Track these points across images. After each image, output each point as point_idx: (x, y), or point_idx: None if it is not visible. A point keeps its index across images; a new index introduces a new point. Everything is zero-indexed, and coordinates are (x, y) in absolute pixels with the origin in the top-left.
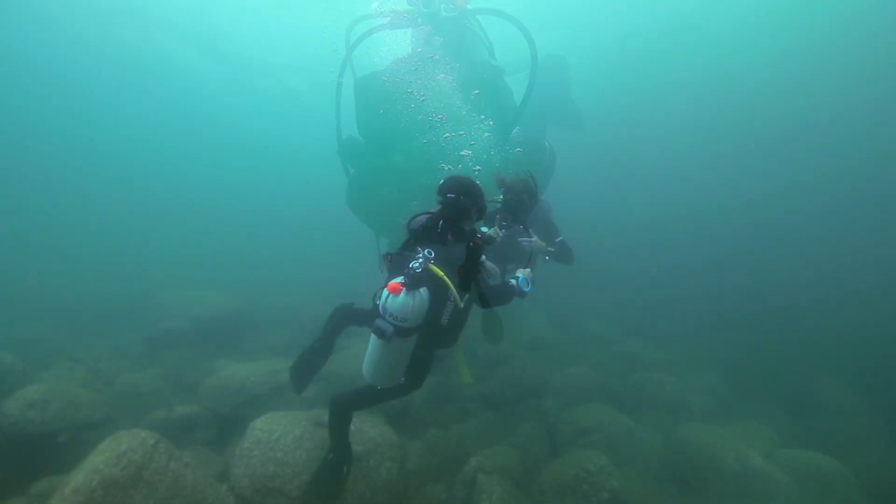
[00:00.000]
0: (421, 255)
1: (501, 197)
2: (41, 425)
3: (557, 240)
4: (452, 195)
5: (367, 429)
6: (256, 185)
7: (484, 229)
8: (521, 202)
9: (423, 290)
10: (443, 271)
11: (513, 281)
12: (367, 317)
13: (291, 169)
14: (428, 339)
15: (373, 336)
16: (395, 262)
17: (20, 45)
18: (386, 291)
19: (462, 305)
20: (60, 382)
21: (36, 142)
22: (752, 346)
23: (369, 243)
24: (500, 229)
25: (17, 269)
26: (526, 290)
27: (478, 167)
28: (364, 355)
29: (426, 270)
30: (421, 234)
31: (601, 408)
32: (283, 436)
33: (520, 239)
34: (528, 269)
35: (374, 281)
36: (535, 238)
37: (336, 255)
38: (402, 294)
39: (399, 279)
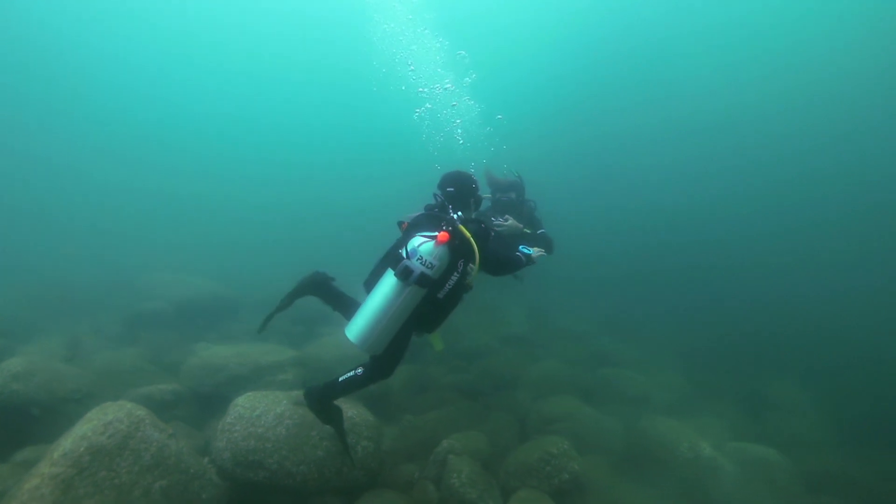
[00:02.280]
0: (455, 215)
1: (490, 195)
2: (25, 396)
3: (539, 232)
4: (451, 189)
5: (345, 409)
6: (242, 171)
7: None
8: (510, 200)
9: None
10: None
11: (518, 254)
12: (337, 299)
13: (277, 157)
14: (418, 314)
15: (383, 285)
16: (422, 220)
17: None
18: (418, 239)
19: (472, 278)
20: (42, 357)
21: (27, 124)
22: (716, 347)
23: (356, 233)
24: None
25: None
26: (529, 252)
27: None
28: (346, 342)
29: (459, 229)
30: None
31: (569, 399)
32: (264, 413)
33: (495, 220)
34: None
35: (357, 269)
36: (511, 220)
37: (320, 242)
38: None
39: (427, 233)
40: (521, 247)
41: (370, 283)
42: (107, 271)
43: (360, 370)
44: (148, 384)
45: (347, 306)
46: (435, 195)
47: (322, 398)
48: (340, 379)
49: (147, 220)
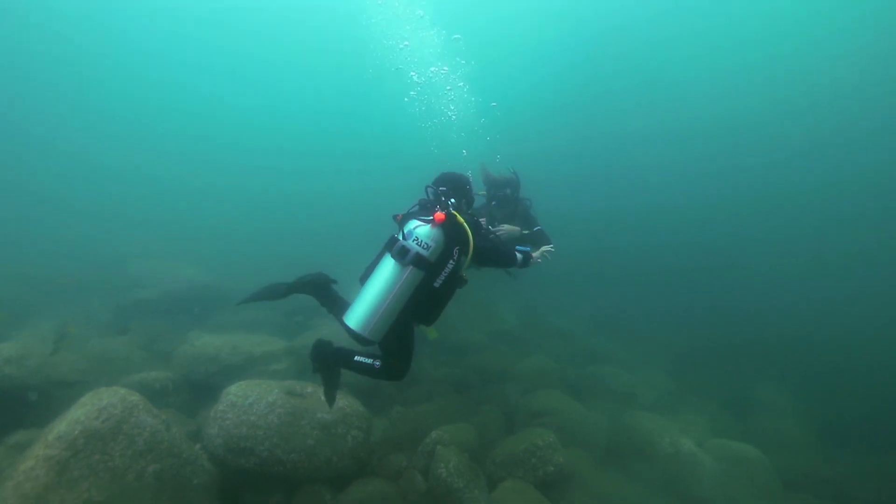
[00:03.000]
0: (449, 201)
1: (485, 192)
2: (18, 380)
3: (535, 229)
4: (444, 188)
5: (336, 399)
6: (237, 159)
7: None
8: (505, 196)
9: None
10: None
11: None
12: (333, 302)
13: (271, 144)
14: (415, 304)
15: (381, 268)
16: (417, 210)
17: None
18: (415, 222)
19: (465, 267)
20: (34, 342)
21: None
22: (705, 348)
23: (348, 227)
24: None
25: None
26: (527, 249)
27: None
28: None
29: (454, 213)
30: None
31: (557, 394)
32: (256, 401)
33: (494, 228)
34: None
35: (353, 265)
36: (507, 226)
37: (313, 235)
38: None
39: (423, 218)
40: (517, 247)
41: (366, 278)
42: (100, 257)
43: (377, 362)
44: (140, 372)
45: (343, 309)
46: (427, 189)
47: (329, 359)
48: (356, 358)
49: (143, 206)
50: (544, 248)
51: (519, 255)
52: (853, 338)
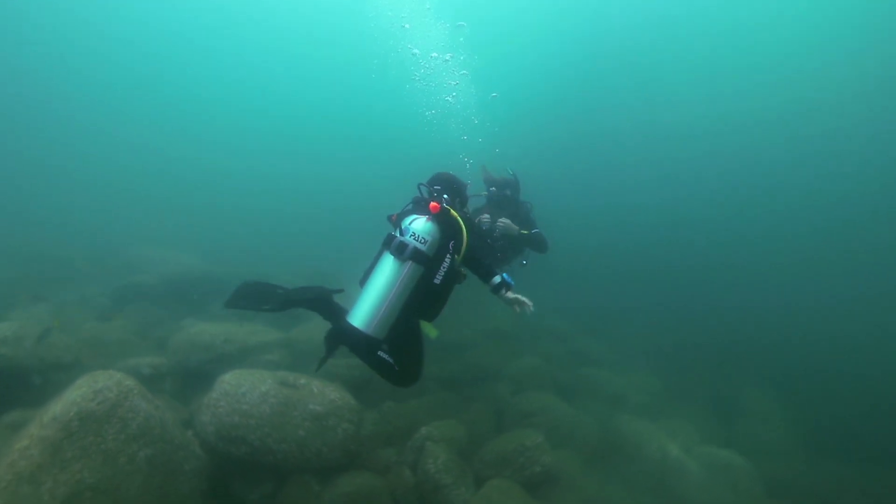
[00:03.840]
0: (443, 197)
1: (485, 192)
2: (13, 360)
3: (533, 231)
4: (439, 187)
5: (328, 392)
6: (245, 146)
7: None
8: (505, 197)
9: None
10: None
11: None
12: (334, 315)
13: (272, 129)
14: (416, 301)
15: (381, 266)
16: (411, 207)
17: None
18: (410, 217)
19: (460, 260)
20: (30, 323)
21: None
22: (695, 350)
23: (349, 225)
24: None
25: None
26: (509, 282)
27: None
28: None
29: (448, 207)
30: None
31: (547, 395)
32: (249, 391)
33: (498, 222)
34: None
35: (351, 268)
36: (507, 220)
37: (314, 229)
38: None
39: (419, 214)
40: (504, 275)
41: (365, 279)
42: (102, 240)
43: (397, 366)
44: (134, 357)
45: (342, 318)
46: (420, 187)
47: (349, 346)
48: (379, 352)
49: (148, 186)
50: (524, 300)
51: (497, 279)
52: (842, 344)
